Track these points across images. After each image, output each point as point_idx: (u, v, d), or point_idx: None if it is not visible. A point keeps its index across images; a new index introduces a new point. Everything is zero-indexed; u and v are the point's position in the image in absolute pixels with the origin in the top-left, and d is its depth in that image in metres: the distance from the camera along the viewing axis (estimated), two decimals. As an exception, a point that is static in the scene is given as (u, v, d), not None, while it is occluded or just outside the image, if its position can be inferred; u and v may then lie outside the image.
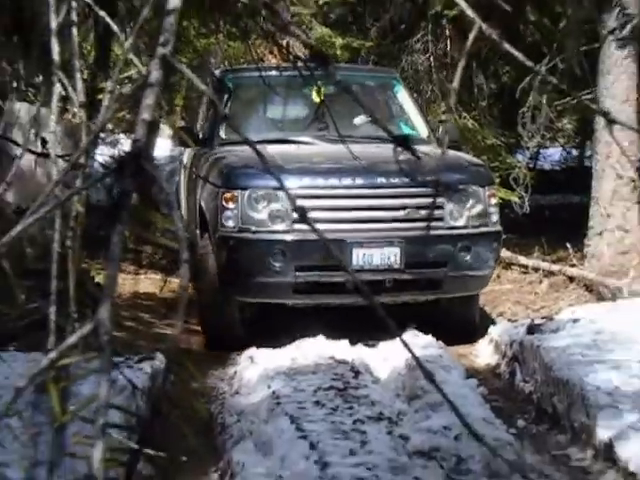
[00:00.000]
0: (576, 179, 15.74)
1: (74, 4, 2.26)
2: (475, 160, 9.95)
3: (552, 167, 21.21)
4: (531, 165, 16.44)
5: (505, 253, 11.67)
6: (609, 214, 11.54)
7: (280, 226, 8.57)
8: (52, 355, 1.76)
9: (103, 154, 15.86)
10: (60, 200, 2.02)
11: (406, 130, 10.06)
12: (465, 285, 8.98)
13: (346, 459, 5.37)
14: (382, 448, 5.57)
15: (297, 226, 8.46)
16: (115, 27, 2.61)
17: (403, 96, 10.73)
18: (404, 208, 8.69)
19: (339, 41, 14.43)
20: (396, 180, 8.61)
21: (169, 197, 2.07)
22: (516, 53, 2.13)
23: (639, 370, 6.70)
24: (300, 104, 10.49)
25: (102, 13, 2.45)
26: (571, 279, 11.14)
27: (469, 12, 2.04)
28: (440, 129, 10.51)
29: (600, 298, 10.04)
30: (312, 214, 8.07)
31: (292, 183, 8.46)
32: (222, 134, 9.85)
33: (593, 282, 10.69)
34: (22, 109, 10.67)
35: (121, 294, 10.84)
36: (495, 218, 9.10)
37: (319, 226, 8.41)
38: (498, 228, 9.16)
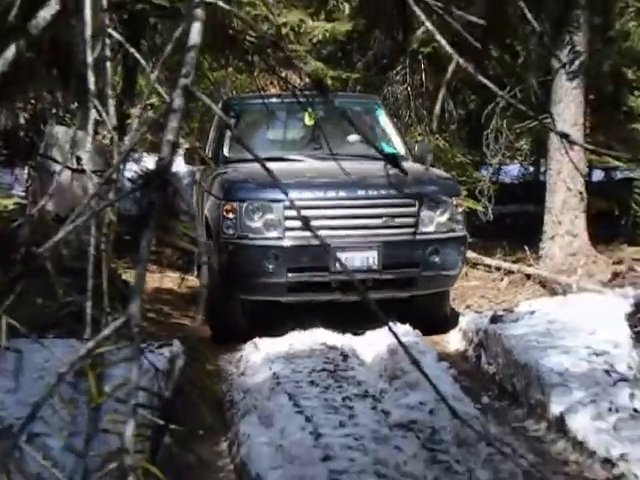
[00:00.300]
0: (532, 191, 15.72)
1: (108, 41, 2.26)
2: (444, 174, 9.99)
3: (512, 181, 21.14)
4: (494, 179, 16.40)
5: (471, 254, 11.66)
6: (560, 221, 11.59)
7: (273, 233, 8.57)
8: (89, 345, 1.76)
9: (130, 169, 15.89)
10: (95, 210, 2.02)
11: (387, 149, 9.90)
12: (436, 283, 8.94)
13: (336, 430, 5.38)
14: (367, 421, 5.57)
15: (289, 233, 8.50)
16: (143, 61, 2.60)
17: (384, 119, 10.70)
18: (381, 216, 8.72)
19: (330, 73, 14.43)
20: (374, 192, 8.70)
21: (190, 208, 2.07)
22: (488, 83, 2.14)
23: (586, 354, 6.70)
24: (296, 127, 10.43)
25: (132, 50, 2.45)
26: (528, 277, 11.13)
27: (448, 49, 2.05)
28: (416, 148, 10.43)
29: (553, 293, 10.03)
30: (300, 223, 7.96)
31: (283, 195, 8.20)
32: (226, 153, 9.84)
33: (547, 279, 10.69)
34: (60, 132, 10.66)
35: (145, 290, 10.83)
36: (461, 225, 9.09)
37: (307, 233, 8.46)
38: (464, 233, 9.15)
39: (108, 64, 2.28)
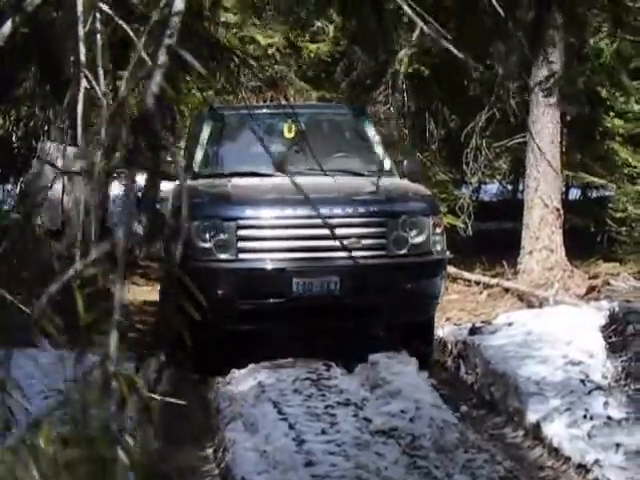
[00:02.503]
0: (510, 209, 15.77)
1: (98, 15, 2.29)
2: (423, 191, 8.55)
3: (491, 199, 21.24)
4: (473, 197, 16.49)
5: (451, 269, 11.67)
6: (538, 237, 11.65)
7: (225, 255, 7.60)
8: (78, 266, 1.78)
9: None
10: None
11: (373, 162, 9.05)
12: (407, 312, 7.81)
13: (319, 437, 5.40)
14: (349, 428, 5.59)
15: (242, 255, 7.61)
16: (132, 34, 2.60)
17: (370, 131, 9.44)
18: (346, 237, 7.63)
19: (315, 93, 14.48)
20: (340, 211, 7.67)
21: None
22: (454, 50, 2.17)
23: (562, 364, 6.74)
24: (272, 141, 9.08)
25: (122, 22, 2.47)
26: (506, 290, 11.17)
27: (413, 16, 2.09)
28: (405, 164, 9.22)
29: (530, 306, 10.06)
30: (254, 244, 7.65)
31: (235, 213, 7.69)
32: (195, 168, 8.73)
33: (524, 293, 10.72)
34: (52, 147, 10.66)
35: (132, 302, 10.83)
36: (439, 247, 7.94)
37: (260, 255, 8.10)
38: (442, 257, 8.06)
39: (98, 36, 2.32)
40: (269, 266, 7.56)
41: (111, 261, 1.78)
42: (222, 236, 7.59)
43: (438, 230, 7.97)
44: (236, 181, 8.19)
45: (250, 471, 4.89)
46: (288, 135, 8.68)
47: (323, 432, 5.49)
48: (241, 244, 7.60)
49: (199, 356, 7.29)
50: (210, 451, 5.76)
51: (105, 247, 1.74)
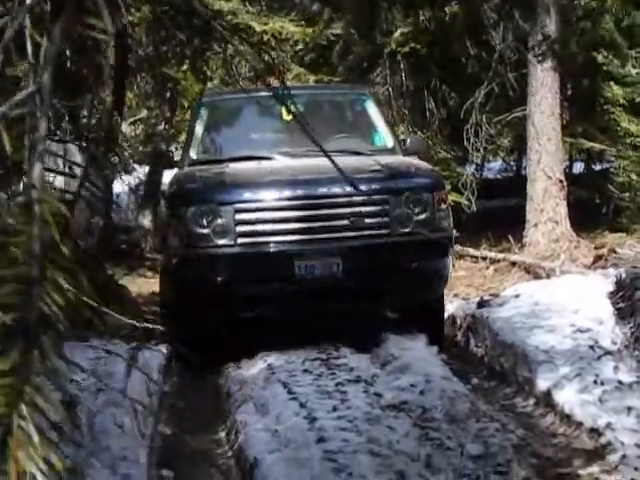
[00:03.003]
0: (514, 186, 15.81)
1: None
2: (424, 166, 8.34)
3: (494, 177, 21.28)
4: (477, 175, 16.50)
5: (457, 247, 11.69)
6: (542, 209, 11.68)
7: (223, 241, 7.37)
8: (3, 108, 1.75)
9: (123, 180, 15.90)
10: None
11: (376, 140, 8.97)
12: (414, 293, 7.63)
13: (330, 414, 5.39)
14: (359, 404, 5.59)
15: (241, 240, 7.38)
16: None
17: (373, 111, 9.21)
18: (347, 217, 7.41)
19: (313, 77, 14.47)
20: (338, 190, 7.40)
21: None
22: None
23: (570, 332, 6.74)
24: (269, 125, 9.21)
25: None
26: (513, 264, 11.20)
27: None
28: (408, 141, 9.00)
29: (537, 278, 10.07)
30: (253, 227, 7.40)
31: (232, 197, 7.50)
32: (193, 155, 8.64)
33: (531, 266, 10.75)
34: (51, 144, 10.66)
35: (141, 294, 10.86)
36: (445, 224, 7.71)
37: (260, 239, 7.95)
38: (448, 234, 7.79)
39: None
40: (269, 250, 7.37)
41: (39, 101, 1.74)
42: (219, 221, 7.37)
43: (443, 206, 7.72)
44: (234, 166, 8.07)
45: (262, 450, 4.89)
46: (286, 117, 8.42)
47: (334, 409, 5.48)
48: (239, 228, 7.38)
49: (204, 345, 7.29)
50: (222, 434, 5.76)
51: (30, 89, 1.70)
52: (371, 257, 7.40)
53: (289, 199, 7.48)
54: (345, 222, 7.41)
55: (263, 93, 9.06)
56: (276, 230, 7.39)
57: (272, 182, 7.66)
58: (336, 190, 7.44)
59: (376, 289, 7.48)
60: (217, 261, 7.40)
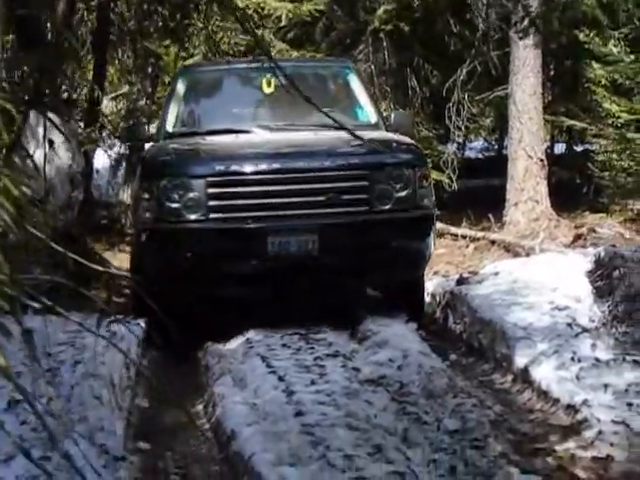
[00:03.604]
0: (495, 166, 15.84)
1: None
2: (406, 140, 7.96)
3: (476, 156, 21.30)
4: (459, 154, 16.52)
5: (438, 225, 11.69)
6: (523, 188, 11.71)
7: (195, 215, 7.10)
8: None
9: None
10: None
11: (359, 115, 8.60)
12: (393, 272, 7.37)
13: (308, 388, 5.41)
14: (338, 378, 5.60)
15: (213, 215, 7.09)
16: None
17: (356, 84, 8.85)
18: (324, 193, 7.13)
19: (295, 53, 14.42)
20: (316, 164, 7.22)
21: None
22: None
23: (548, 310, 6.78)
24: (249, 97, 8.81)
25: None
26: (493, 242, 11.24)
27: None
28: (393, 116, 8.75)
29: (517, 256, 10.09)
30: (225, 202, 7.11)
31: (205, 170, 7.24)
32: (168, 128, 8.31)
33: (511, 244, 10.78)
34: (32, 116, 10.58)
35: (120, 268, 10.82)
36: (427, 201, 7.43)
37: (232, 214, 7.65)
38: (430, 211, 7.51)
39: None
40: (241, 225, 7.08)
41: None
42: (191, 195, 7.10)
43: (425, 183, 7.45)
44: (210, 138, 7.87)
45: (240, 423, 4.89)
46: (267, 90, 8.31)
47: (312, 383, 5.49)
48: (212, 203, 7.09)
49: (177, 322, 6.98)
50: (200, 407, 5.77)
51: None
52: (349, 235, 7.14)
53: (264, 173, 7.21)
54: (322, 198, 7.14)
55: (244, 65, 8.93)
56: (250, 205, 7.11)
57: (247, 155, 7.42)
58: (313, 164, 7.24)
59: (353, 268, 7.22)
60: (187, 237, 7.14)
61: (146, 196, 7.24)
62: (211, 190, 7.10)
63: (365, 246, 7.13)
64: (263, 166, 7.23)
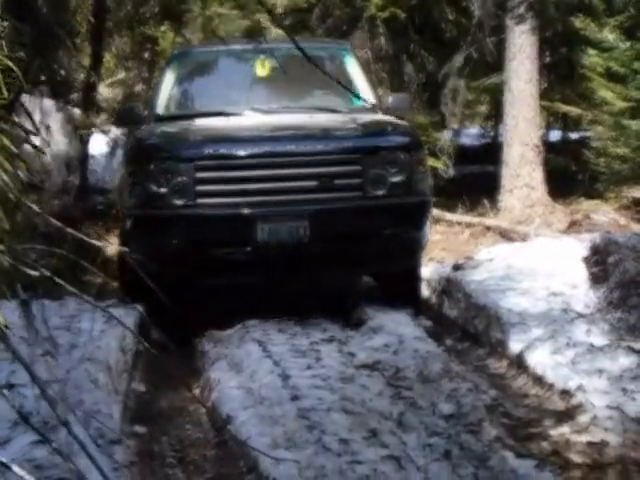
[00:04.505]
0: (491, 152, 15.80)
1: None
2: (402, 124, 7.71)
3: (472, 143, 21.24)
4: (454, 140, 16.47)
5: (434, 211, 11.67)
6: (518, 174, 11.71)
7: (182, 201, 6.83)
8: None
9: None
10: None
11: (354, 98, 7.96)
12: (387, 261, 7.08)
13: (304, 372, 5.41)
14: (333, 363, 5.61)
15: (201, 200, 6.84)
16: None
17: (353, 67, 8.58)
18: (316, 177, 6.87)
19: (291, 40, 14.36)
20: (307, 147, 6.98)
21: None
22: None
23: (543, 295, 6.78)
24: (242, 80, 8.43)
25: None
26: (488, 228, 11.22)
27: None
28: (390, 99, 8.45)
29: (512, 243, 10.08)
30: (213, 187, 6.87)
31: (193, 153, 6.99)
32: (159, 110, 8.09)
33: (506, 230, 10.77)
34: (27, 101, 10.56)
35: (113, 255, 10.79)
36: (423, 186, 7.17)
37: (220, 200, 7.41)
38: (426, 197, 7.25)
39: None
40: (230, 211, 6.82)
41: None
42: (178, 179, 6.82)
43: (421, 168, 7.18)
44: (200, 121, 7.65)
45: (236, 407, 4.90)
46: (261, 73, 8.09)
47: (308, 368, 5.50)
48: (199, 187, 6.83)
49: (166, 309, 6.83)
50: (197, 391, 5.75)
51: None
52: (341, 221, 6.87)
53: (253, 157, 6.95)
54: (314, 183, 6.87)
55: (238, 46, 8.75)
56: (238, 190, 6.84)
57: (236, 138, 7.19)
58: (304, 148, 6.99)
59: (346, 256, 6.91)
60: (174, 223, 6.86)
61: (132, 181, 7.03)
62: (199, 174, 6.86)
63: (358, 233, 6.86)
64: (253, 150, 6.98)
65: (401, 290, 7.41)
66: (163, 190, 6.84)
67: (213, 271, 6.86)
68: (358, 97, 7.52)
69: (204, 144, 7.10)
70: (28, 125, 8.90)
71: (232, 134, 7.32)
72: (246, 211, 6.79)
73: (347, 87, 4.78)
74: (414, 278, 7.59)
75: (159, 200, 6.85)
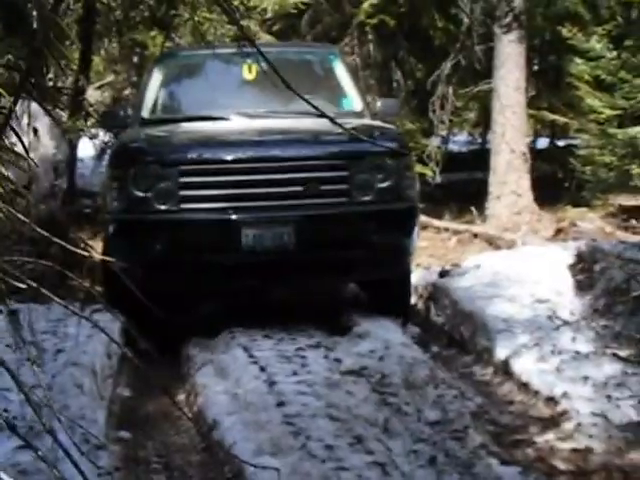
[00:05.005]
0: (479, 159, 15.82)
1: None
2: (390, 128, 7.67)
3: (460, 150, 21.28)
4: (442, 147, 16.50)
5: (421, 218, 11.67)
6: (505, 182, 11.72)
7: (166, 206, 6.72)
8: None
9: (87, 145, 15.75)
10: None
11: (343, 103, 8.16)
12: (374, 269, 6.92)
13: (289, 378, 5.41)
14: (319, 369, 5.60)
15: (185, 205, 6.72)
16: None
17: (341, 71, 8.40)
18: (301, 182, 6.75)
19: (280, 46, 14.40)
20: (293, 152, 6.88)
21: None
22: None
23: (529, 302, 6.80)
24: (228, 84, 8.32)
25: None
26: (475, 235, 11.23)
27: None
28: (379, 104, 8.39)
29: (499, 250, 10.09)
30: (198, 192, 6.75)
31: (177, 157, 6.87)
32: (144, 114, 7.96)
33: (493, 237, 10.78)
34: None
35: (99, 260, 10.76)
36: (411, 192, 7.04)
37: (205, 205, 7.31)
38: (414, 204, 7.12)
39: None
40: (215, 216, 6.72)
41: None
42: (162, 184, 6.71)
43: (409, 173, 7.06)
44: (185, 125, 7.57)
45: (221, 413, 4.89)
46: (248, 77, 7.97)
47: (294, 373, 5.49)
48: (183, 192, 6.70)
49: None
50: (182, 397, 5.74)
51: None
52: (327, 227, 6.76)
53: (238, 161, 6.81)
54: (299, 188, 6.74)
55: (224, 50, 8.72)
56: (223, 195, 6.72)
57: (222, 143, 7.11)
58: (289, 153, 6.88)
59: (332, 262, 6.77)
60: (157, 228, 6.75)
61: (115, 185, 6.89)
62: (183, 179, 6.74)
63: (344, 240, 6.73)
64: (237, 154, 6.86)
65: (390, 301, 7.30)
66: (147, 195, 6.73)
67: (197, 277, 6.75)
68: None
69: (189, 148, 7.00)
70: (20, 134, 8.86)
71: (217, 138, 7.26)
72: (231, 217, 6.70)
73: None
74: (404, 289, 7.45)
75: (142, 205, 6.74)
